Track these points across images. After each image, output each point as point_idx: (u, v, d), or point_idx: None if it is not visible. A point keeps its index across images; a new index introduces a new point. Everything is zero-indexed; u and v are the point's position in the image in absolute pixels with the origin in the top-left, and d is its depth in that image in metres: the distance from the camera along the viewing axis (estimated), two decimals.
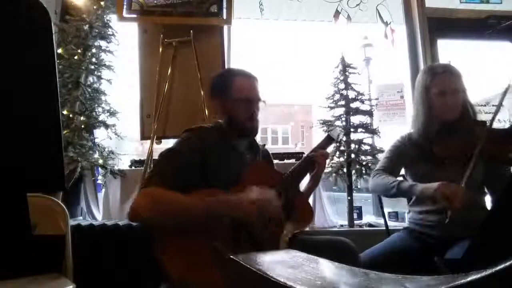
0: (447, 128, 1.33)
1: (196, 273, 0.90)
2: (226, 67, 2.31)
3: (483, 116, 1.42)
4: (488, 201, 1.40)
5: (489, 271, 0.27)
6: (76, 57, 2.14)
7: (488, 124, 1.27)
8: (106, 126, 2.17)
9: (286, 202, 1.10)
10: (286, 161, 2.23)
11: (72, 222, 1.38)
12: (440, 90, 1.33)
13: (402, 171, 1.52)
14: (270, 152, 1.40)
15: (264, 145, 1.36)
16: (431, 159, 1.35)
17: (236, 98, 1.16)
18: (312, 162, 1.23)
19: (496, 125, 1.30)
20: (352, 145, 2.24)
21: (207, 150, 1.07)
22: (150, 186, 0.95)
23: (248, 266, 0.38)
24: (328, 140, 1.31)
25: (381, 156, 2.19)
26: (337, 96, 2.34)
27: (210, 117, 2.02)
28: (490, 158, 1.26)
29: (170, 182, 0.96)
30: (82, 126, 2.09)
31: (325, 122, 2.32)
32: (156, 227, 0.95)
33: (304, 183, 1.30)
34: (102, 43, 2.27)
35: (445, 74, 1.34)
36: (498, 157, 1.25)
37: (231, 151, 1.16)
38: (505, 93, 1.26)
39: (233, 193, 1.01)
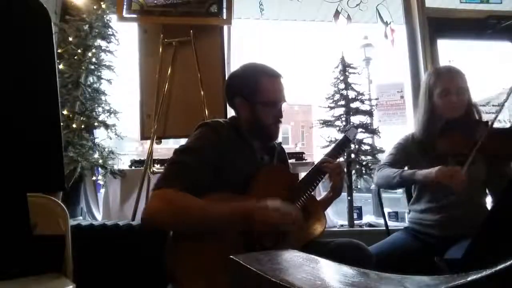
0: (450, 126, 1.34)
1: (205, 282, 0.88)
2: (226, 67, 2.32)
3: (483, 116, 1.42)
4: (488, 201, 1.40)
5: (489, 271, 0.27)
6: (76, 57, 2.14)
7: (490, 123, 1.27)
8: (106, 126, 2.17)
9: (300, 209, 1.08)
10: None
11: (72, 222, 1.38)
12: (444, 89, 1.35)
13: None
14: None
15: (280, 143, 1.29)
16: (433, 156, 1.36)
17: (264, 101, 1.09)
18: (324, 172, 1.17)
19: (496, 125, 1.30)
20: (352, 145, 2.24)
21: (223, 148, 1.01)
22: (164, 188, 0.90)
23: (249, 266, 0.38)
24: (345, 140, 1.28)
25: (381, 156, 2.21)
26: (337, 96, 2.34)
27: (210, 117, 2.02)
28: (491, 155, 1.27)
29: (185, 182, 0.91)
30: (82, 126, 2.09)
31: (325, 122, 2.32)
32: (172, 231, 0.93)
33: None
34: (102, 43, 2.27)
35: (449, 74, 1.37)
36: (499, 154, 1.26)
37: (248, 150, 1.11)
38: (509, 95, 1.26)
39: (249, 198, 0.98)
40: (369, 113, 2.31)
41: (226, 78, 1.21)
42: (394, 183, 1.35)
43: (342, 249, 1.05)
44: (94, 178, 2.22)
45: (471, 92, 1.38)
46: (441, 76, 1.38)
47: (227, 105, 1.21)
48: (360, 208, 2.37)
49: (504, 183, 1.27)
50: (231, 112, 2.10)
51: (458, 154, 1.27)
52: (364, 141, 2.28)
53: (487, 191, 1.40)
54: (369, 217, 2.48)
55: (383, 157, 2.18)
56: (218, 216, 0.90)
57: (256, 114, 1.10)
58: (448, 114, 1.35)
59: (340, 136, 1.34)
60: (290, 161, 2.20)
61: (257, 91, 1.09)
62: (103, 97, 2.24)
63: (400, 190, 2.00)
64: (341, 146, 1.29)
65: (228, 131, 1.07)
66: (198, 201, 0.90)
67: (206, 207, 0.90)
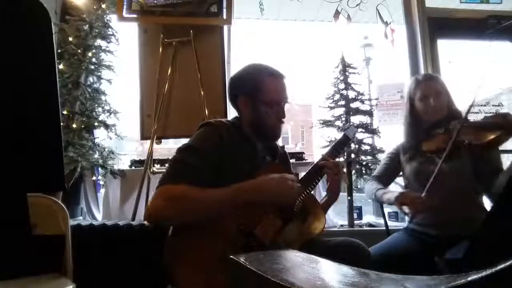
0: (433, 128, 1.41)
1: (204, 281, 0.88)
2: (226, 67, 2.31)
3: (483, 116, 1.44)
4: (485, 200, 1.41)
5: (489, 271, 0.27)
6: (76, 57, 2.13)
7: (464, 115, 1.34)
8: (106, 126, 2.17)
9: (299, 208, 1.09)
10: None
11: (72, 222, 1.37)
12: (422, 94, 1.43)
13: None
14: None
15: (283, 146, 1.30)
16: (420, 157, 1.43)
17: (267, 100, 1.09)
18: (322, 170, 1.18)
19: None
20: (352, 145, 2.24)
21: (225, 148, 1.02)
22: (166, 184, 0.93)
23: (249, 267, 0.38)
24: (345, 139, 1.28)
25: (381, 156, 2.21)
26: (337, 96, 2.34)
27: (210, 117, 2.02)
28: (469, 146, 1.30)
29: (187, 179, 0.92)
30: (82, 126, 2.09)
31: (325, 122, 2.32)
32: (175, 225, 0.95)
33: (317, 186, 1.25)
34: (102, 43, 2.27)
35: (427, 80, 1.46)
36: (476, 144, 1.28)
37: (250, 150, 1.11)
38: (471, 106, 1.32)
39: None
40: (369, 113, 2.31)
41: (229, 77, 1.21)
42: (373, 200, 1.49)
43: (339, 247, 1.06)
44: (94, 178, 2.22)
45: (451, 97, 1.45)
46: (419, 82, 1.46)
47: (228, 105, 1.22)
48: (360, 208, 2.37)
49: (492, 175, 1.30)
50: (231, 112, 2.11)
51: (441, 150, 1.30)
52: (364, 141, 2.28)
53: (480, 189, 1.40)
54: (369, 217, 2.48)
55: (382, 159, 2.20)
56: (223, 196, 0.92)
57: (258, 113, 1.10)
58: (429, 117, 1.42)
59: (340, 135, 1.34)
60: (290, 161, 2.21)
61: (260, 90, 1.10)
62: (103, 97, 2.24)
63: (400, 190, 2.02)
64: (341, 145, 1.29)
65: (230, 131, 1.07)
66: (198, 189, 0.91)
67: (210, 191, 0.92)
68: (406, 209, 1.27)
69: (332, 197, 1.22)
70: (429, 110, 1.41)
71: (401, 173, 1.56)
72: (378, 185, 1.48)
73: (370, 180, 1.57)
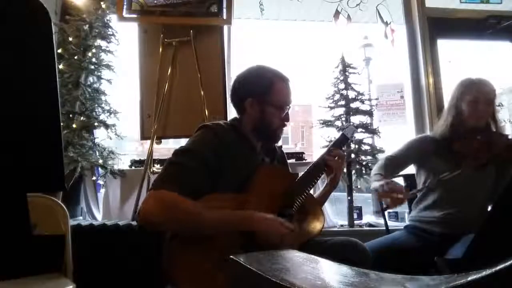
0: (470, 132, 1.39)
1: (203, 282, 0.88)
2: (226, 67, 2.31)
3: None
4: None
5: (489, 271, 0.27)
6: (76, 57, 2.13)
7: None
8: (106, 126, 2.17)
9: (298, 208, 1.08)
10: None
11: (72, 222, 1.38)
12: (474, 96, 1.39)
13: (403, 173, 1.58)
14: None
15: (281, 146, 1.30)
16: (445, 155, 1.41)
17: (276, 103, 1.10)
18: (326, 166, 1.17)
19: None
20: (352, 145, 2.24)
21: (223, 150, 1.00)
22: (162, 189, 0.90)
23: (249, 267, 0.38)
24: (343, 139, 1.28)
25: (381, 156, 2.21)
26: (337, 96, 2.34)
27: (210, 117, 2.02)
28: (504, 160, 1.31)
29: (183, 184, 0.91)
30: (82, 126, 2.09)
31: (325, 122, 2.32)
32: (168, 231, 0.94)
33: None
34: (102, 43, 2.27)
35: (481, 84, 1.41)
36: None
37: (249, 152, 1.10)
38: None
39: (246, 199, 0.99)
40: (369, 113, 2.31)
41: (231, 78, 1.21)
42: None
43: (338, 247, 1.06)
44: (94, 178, 2.22)
45: (496, 106, 1.44)
46: (473, 84, 1.42)
47: (228, 105, 1.21)
48: (360, 208, 2.37)
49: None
50: (231, 112, 2.11)
51: (474, 157, 1.31)
52: (364, 141, 2.28)
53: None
54: (369, 217, 2.47)
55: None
56: (215, 225, 0.91)
57: (266, 115, 1.10)
58: (472, 121, 1.39)
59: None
60: (290, 161, 2.21)
61: (271, 92, 1.10)
62: (103, 97, 2.24)
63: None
64: (339, 144, 1.29)
65: (229, 133, 1.07)
66: (195, 207, 0.90)
67: (204, 215, 0.90)
68: (384, 201, 1.28)
69: (330, 190, 1.24)
70: (475, 115, 1.38)
71: (412, 165, 1.55)
72: (381, 169, 1.44)
73: (381, 161, 1.53)
